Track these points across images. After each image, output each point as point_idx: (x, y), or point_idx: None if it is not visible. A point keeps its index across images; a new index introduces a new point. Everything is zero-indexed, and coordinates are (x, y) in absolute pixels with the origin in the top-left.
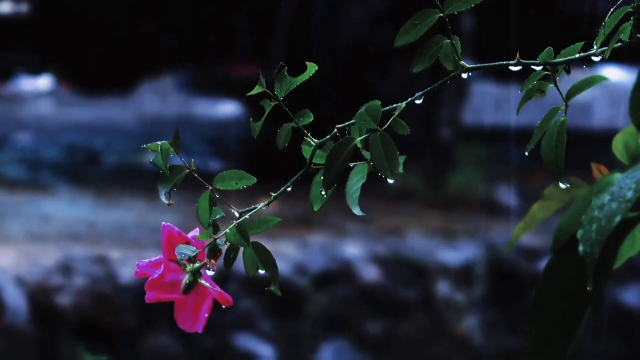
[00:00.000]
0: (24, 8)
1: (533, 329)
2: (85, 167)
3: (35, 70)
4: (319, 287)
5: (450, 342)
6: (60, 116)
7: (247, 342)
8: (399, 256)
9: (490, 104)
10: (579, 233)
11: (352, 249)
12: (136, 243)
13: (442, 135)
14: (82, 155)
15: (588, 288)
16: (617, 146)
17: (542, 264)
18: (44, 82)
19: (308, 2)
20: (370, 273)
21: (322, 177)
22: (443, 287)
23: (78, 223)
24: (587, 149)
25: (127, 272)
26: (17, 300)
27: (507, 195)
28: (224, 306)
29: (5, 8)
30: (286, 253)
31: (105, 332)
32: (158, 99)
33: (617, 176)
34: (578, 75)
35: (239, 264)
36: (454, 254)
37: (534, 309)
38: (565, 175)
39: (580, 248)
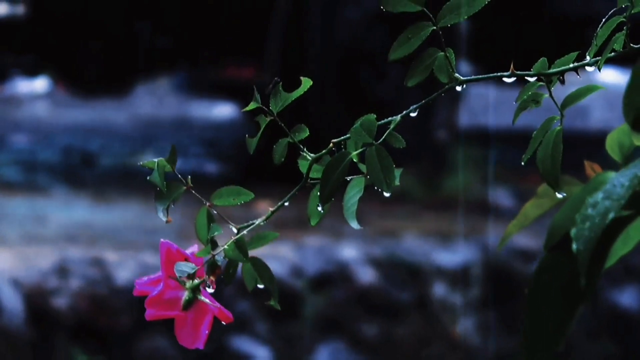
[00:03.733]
0: (20, 10)
1: (525, 325)
2: (82, 169)
3: (32, 72)
4: (315, 289)
5: (446, 343)
6: (57, 118)
7: (243, 344)
8: (394, 258)
9: (486, 106)
10: (573, 232)
11: (348, 251)
12: (132, 245)
13: (437, 137)
14: (78, 157)
15: (582, 284)
16: (611, 144)
17: None
18: (40, 84)
19: (302, 5)
20: (366, 275)
21: (318, 192)
22: (439, 289)
23: (74, 225)
24: (582, 150)
25: (123, 275)
26: (13, 302)
27: (503, 197)
28: (224, 322)
29: (1, 10)
30: (282, 255)
31: (101, 334)
32: (154, 100)
33: (611, 174)
34: (574, 78)
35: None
36: (450, 256)
37: (527, 305)
38: (560, 179)
39: (574, 246)
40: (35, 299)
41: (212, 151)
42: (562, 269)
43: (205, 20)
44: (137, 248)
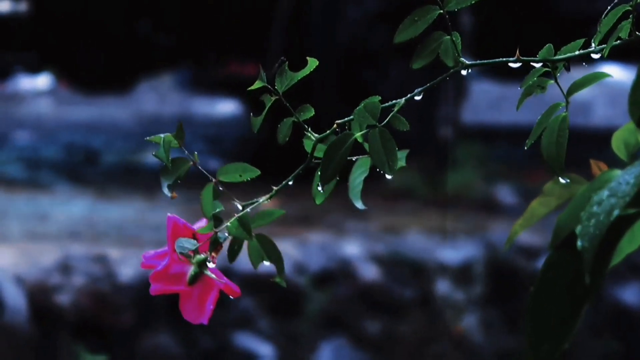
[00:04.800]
0: (22, 7)
1: (530, 324)
2: (85, 166)
3: (34, 69)
4: (318, 286)
5: (449, 341)
6: (59, 115)
7: (247, 341)
8: (398, 255)
9: (490, 102)
10: (578, 229)
11: (351, 248)
12: (135, 242)
13: (441, 134)
14: (81, 154)
15: (586, 281)
16: (617, 143)
17: (541, 262)
18: (43, 81)
19: (304, 3)
20: (370, 272)
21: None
22: (442, 286)
23: (77, 222)
24: (586, 147)
25: (126, 271)
26: (16, 299)
27: (506, 194)
28: (231, 297)
29: (4, 7)
30: (285, 252)
31: (104, 331)
32: (157, 97)
33: (616, 172)
34: (578, 73)
35: (239, 262)
36: (453, 253)
37: (531, 304)
38: (564, 172)
39: (579, 243)
40: (38, 295)
41: (214, 148)
42: (567, 267)
43: (208, 18)
44: (140, 244)
